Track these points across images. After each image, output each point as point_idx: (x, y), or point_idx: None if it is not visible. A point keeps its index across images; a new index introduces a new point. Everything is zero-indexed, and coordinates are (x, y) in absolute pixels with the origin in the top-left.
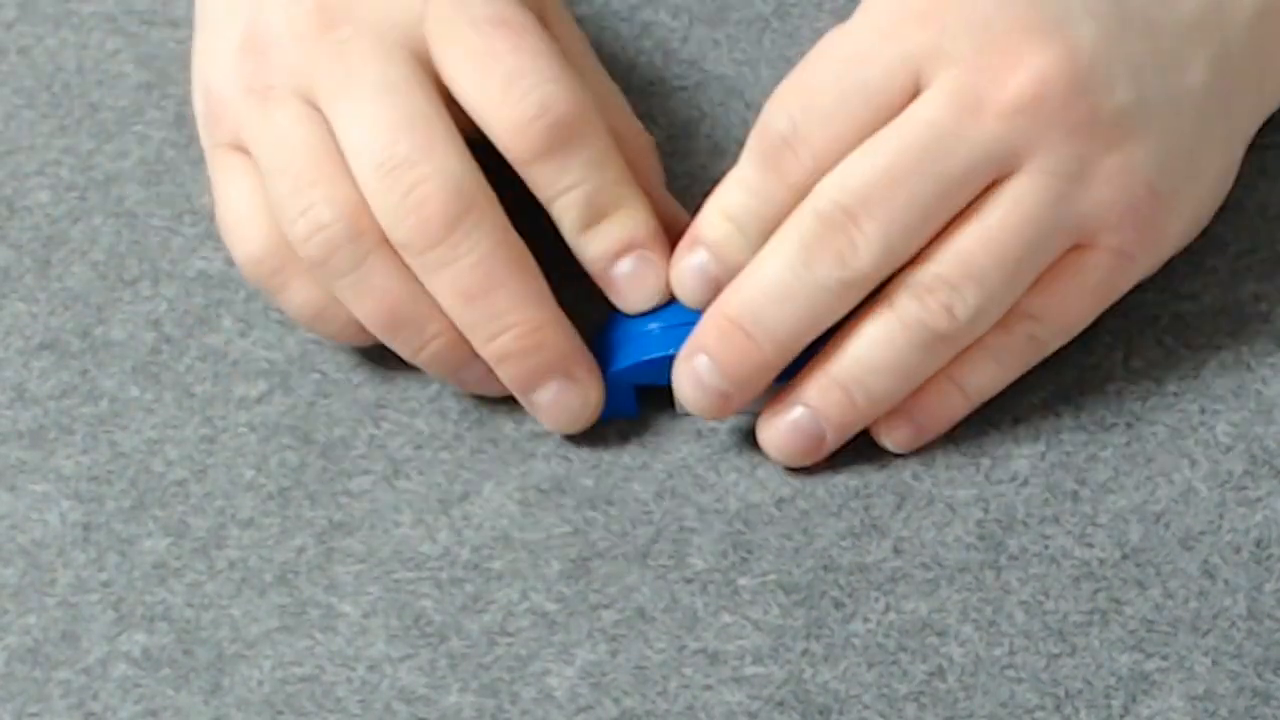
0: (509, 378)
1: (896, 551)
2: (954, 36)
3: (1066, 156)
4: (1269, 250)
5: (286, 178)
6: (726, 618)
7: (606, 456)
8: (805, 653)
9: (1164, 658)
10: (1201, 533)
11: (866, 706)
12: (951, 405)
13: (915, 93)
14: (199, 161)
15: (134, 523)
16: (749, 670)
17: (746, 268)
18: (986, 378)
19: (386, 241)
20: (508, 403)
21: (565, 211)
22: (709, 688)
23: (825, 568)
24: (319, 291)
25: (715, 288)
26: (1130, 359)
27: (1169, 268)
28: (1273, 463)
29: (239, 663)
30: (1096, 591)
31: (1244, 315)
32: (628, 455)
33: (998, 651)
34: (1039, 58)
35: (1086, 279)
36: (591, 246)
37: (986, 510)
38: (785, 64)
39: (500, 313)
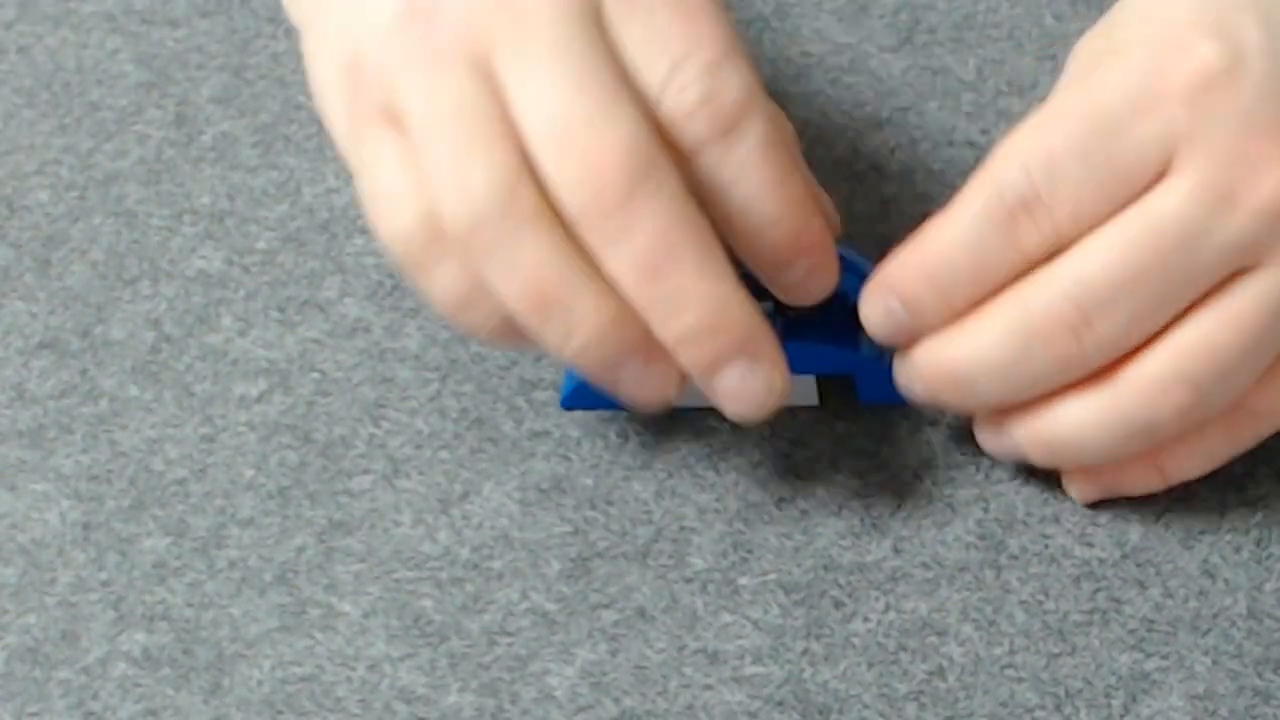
0: (692, 360)
1: (896, 551)
2: (1215, 124)
3: None
4: None
5: (444, 143)
6: (726, 617)
7: (606, 456)
8: (805, 652)
9: (1164, 657)
10: (1201, 532)
11: (866, 706)
12: (1148, 484)
13: (1163, 174)
14: (199, 161)
15: (134, 522)
16: (749, 670)
17: (961, 332)
18: (1194, 466)
19: (545, 214)
20: (507, 402)
21: (716, 208)
22: (709, 687)
23: (825, 568)
24: (466, 275)
25: (905, 333)
26: None
27: None
28: (1273, 462)
29: (239, 662)
30: (1096, 591)
31: None
32: (628, 455)
33: (998, 651)
34: None
35: None
36: (755, 254)
37: (986, 510)
38: (785, 63)
39: (683, 288)
